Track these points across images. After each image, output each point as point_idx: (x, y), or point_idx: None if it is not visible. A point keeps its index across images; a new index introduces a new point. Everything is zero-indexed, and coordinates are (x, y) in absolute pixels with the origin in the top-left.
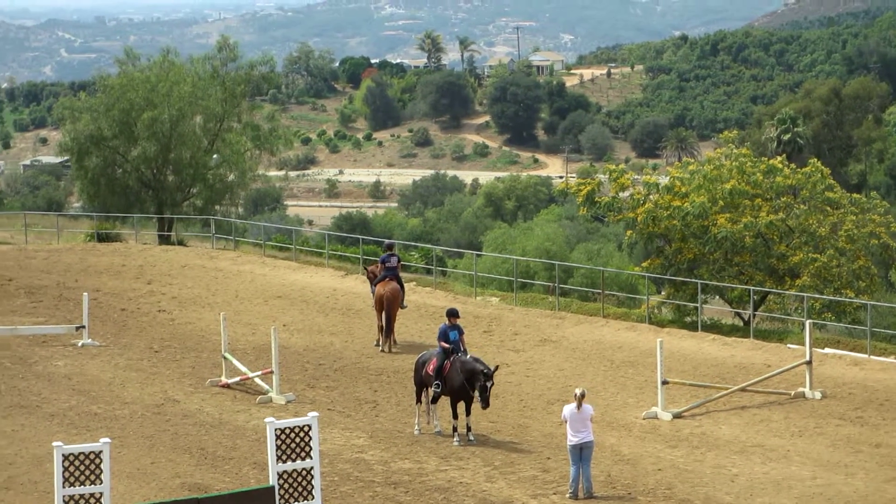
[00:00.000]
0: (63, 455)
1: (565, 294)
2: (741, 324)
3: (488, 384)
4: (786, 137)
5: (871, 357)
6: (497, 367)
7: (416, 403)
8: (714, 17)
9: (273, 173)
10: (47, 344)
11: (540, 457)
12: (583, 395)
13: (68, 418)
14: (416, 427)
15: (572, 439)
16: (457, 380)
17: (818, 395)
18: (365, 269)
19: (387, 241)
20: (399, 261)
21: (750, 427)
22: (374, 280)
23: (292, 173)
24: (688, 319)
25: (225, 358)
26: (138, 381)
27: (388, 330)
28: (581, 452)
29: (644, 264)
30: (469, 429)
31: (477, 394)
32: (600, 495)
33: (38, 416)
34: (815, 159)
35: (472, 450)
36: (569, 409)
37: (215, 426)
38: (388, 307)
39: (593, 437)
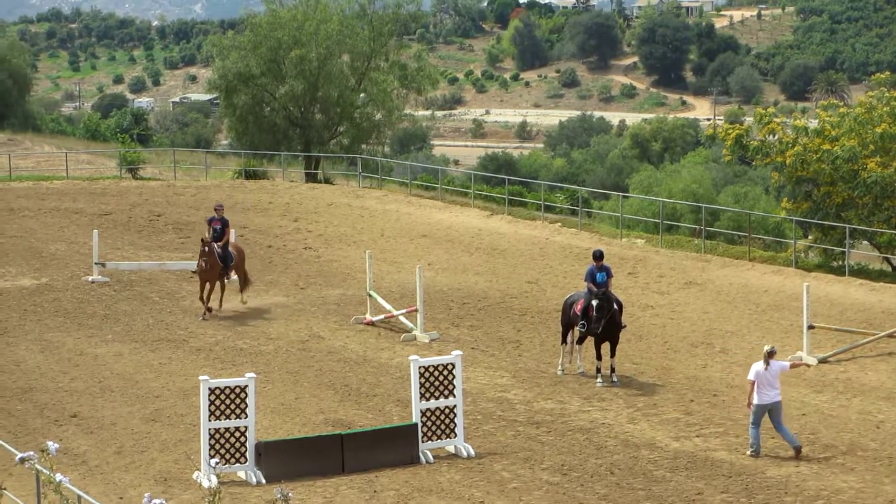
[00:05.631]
0: (209, 389)
1: (711, 237)
2: (889, 269)
3: (594, 302)
4: None
5: None
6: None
7: (562, 344)
8: None
9: (420, 113)
10: (195, 279)
11: (683, 399)
12: (772, 353)
13: (214, 353)
14: (560, 367)
15: (761, 400)
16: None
17: None
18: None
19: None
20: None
21: None
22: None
23: (439, 113)
24: (835, 264)
25: (370, 296)
26: (283, 318)
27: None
28: (770, 414)
29: (784, 204)
30: (613, 370)
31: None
32: (741, 439)
33: (184, 350)
34: None
35: (615, 391)
36: (756, 367)
37: (359, 363)
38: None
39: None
